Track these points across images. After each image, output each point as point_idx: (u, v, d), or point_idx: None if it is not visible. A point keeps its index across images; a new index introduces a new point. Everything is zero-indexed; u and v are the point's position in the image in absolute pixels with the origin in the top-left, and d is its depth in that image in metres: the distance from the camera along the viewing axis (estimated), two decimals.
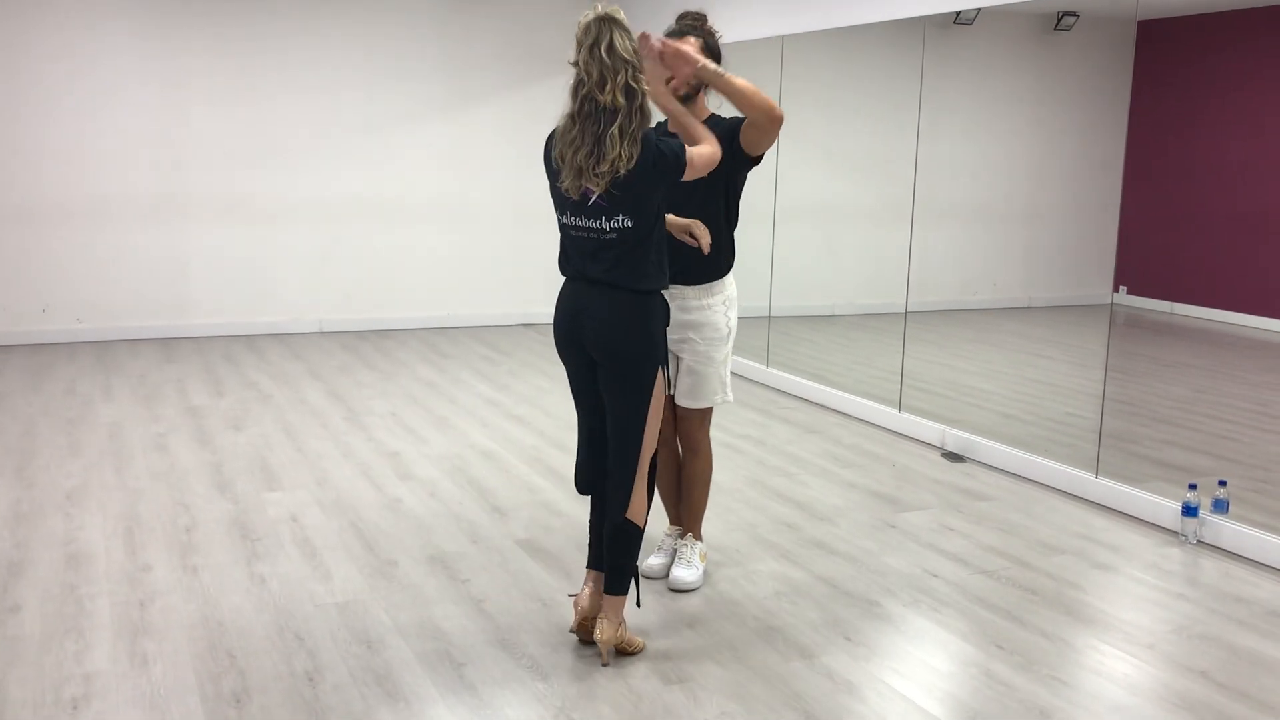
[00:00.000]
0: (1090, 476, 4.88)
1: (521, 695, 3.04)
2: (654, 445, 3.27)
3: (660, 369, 3.20)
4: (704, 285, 3.68)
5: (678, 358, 3.73)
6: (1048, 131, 9.41)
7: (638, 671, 3.18)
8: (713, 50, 3.57)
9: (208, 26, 7.81)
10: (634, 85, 2.99)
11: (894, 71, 7.39)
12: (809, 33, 6.68)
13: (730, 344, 3.79)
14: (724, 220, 3.70)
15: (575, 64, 3.03)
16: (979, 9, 6.62)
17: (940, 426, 5.70)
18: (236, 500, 4.57)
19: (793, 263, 7.52)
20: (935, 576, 3.95)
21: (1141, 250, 8.43)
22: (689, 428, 3.83)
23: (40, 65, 7.44)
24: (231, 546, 4.06)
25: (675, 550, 3.89)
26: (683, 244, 3.50)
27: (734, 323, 3.78)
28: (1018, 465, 5.22)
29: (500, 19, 8.46)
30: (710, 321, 3.70)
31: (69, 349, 7.51)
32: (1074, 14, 8.75)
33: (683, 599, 3.69)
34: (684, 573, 3.79)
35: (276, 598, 3.62)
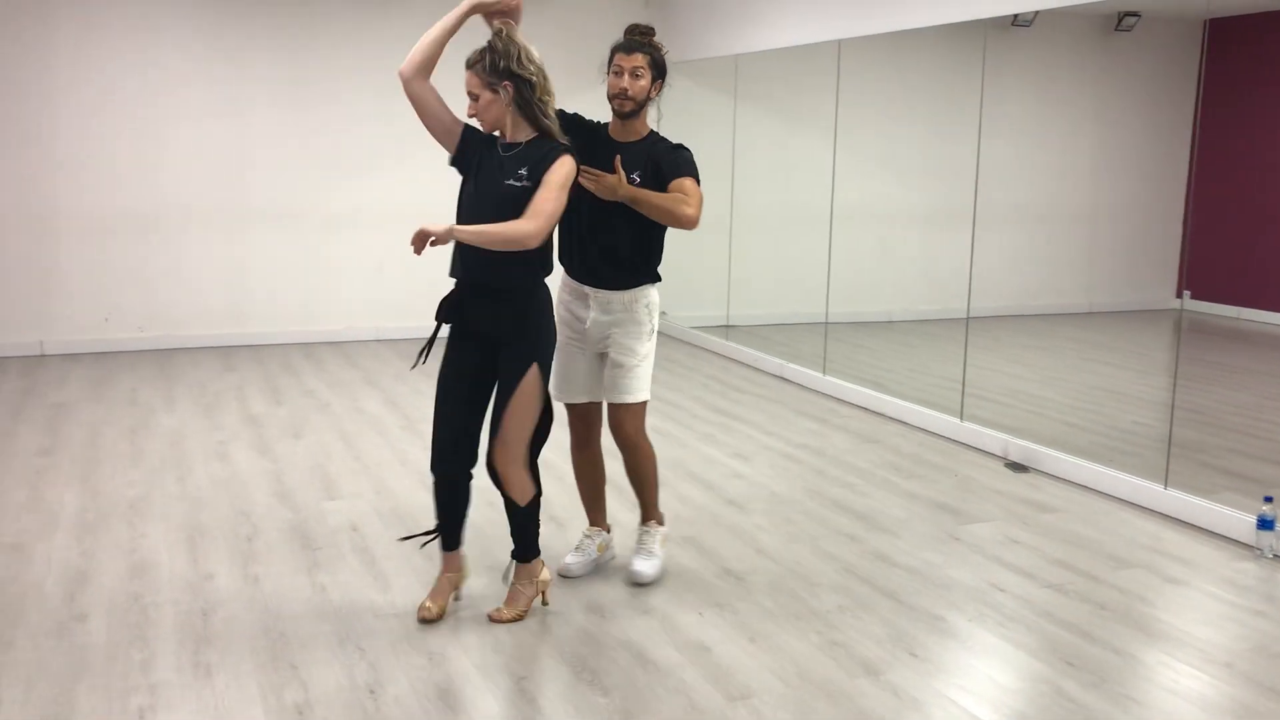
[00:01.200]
0: (1159, 487, 4.76)
1: (581, 708, 3.01)
2: None
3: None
4: (630, 291, 3.76)
5: (602, 355, 3.82)
6: (1109, 134, 9.26)
7: (700, 688, 3.14)
8: (659, 65, 3.69)
9: (268, 39, 7.90)
10: None
11: (952, 75, 7.31)
12: (866, 37, 6.61)
13: (653, 342, 3.83)
14: (651, 233, 3.75)
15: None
16: (1037, 11, 6.52)
17: (1003, 436, 5.60)
18: (297, 509, 4.60)
19: (849, 268, 7.45)
20: (1001, 590, 3.87)
21: (1207, 254, 8.26)
22: (618, 423, 3.82)
23: (106, 79, 7.56)
24: (292, 555, 4.08)
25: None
26: (605, 249, 3.67)
27: (656, 324, 3.84)
28: (1083, 476, 5.12)
29: (556, 29, 8.47)
30: (634, 318, 3.76)
31: (131, 357, 7.62)
32: (1135, 14, 8.60)
33: (744, 613, 3.64)
34: (644, 566, 3.86)
35: (337, 608, 3.63)
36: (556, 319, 3.67)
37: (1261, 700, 3.12)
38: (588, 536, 4.00)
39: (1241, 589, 3.93)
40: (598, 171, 3.50)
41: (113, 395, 6.52)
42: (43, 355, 7.63)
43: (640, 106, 3.67)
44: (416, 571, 3.94)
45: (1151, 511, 4.74)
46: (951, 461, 5.49)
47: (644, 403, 3.82)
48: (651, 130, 3.77)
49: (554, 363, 3.63)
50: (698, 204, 3.59)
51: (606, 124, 3.78)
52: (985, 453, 5.63)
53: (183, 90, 7.76)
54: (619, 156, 3.57)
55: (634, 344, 3.75)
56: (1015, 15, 6.08)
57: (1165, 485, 4.76)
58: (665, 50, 3.77)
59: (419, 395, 6.62)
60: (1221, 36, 7.32)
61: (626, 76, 3.62)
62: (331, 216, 8.22)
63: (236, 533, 4.31)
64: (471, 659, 3.29)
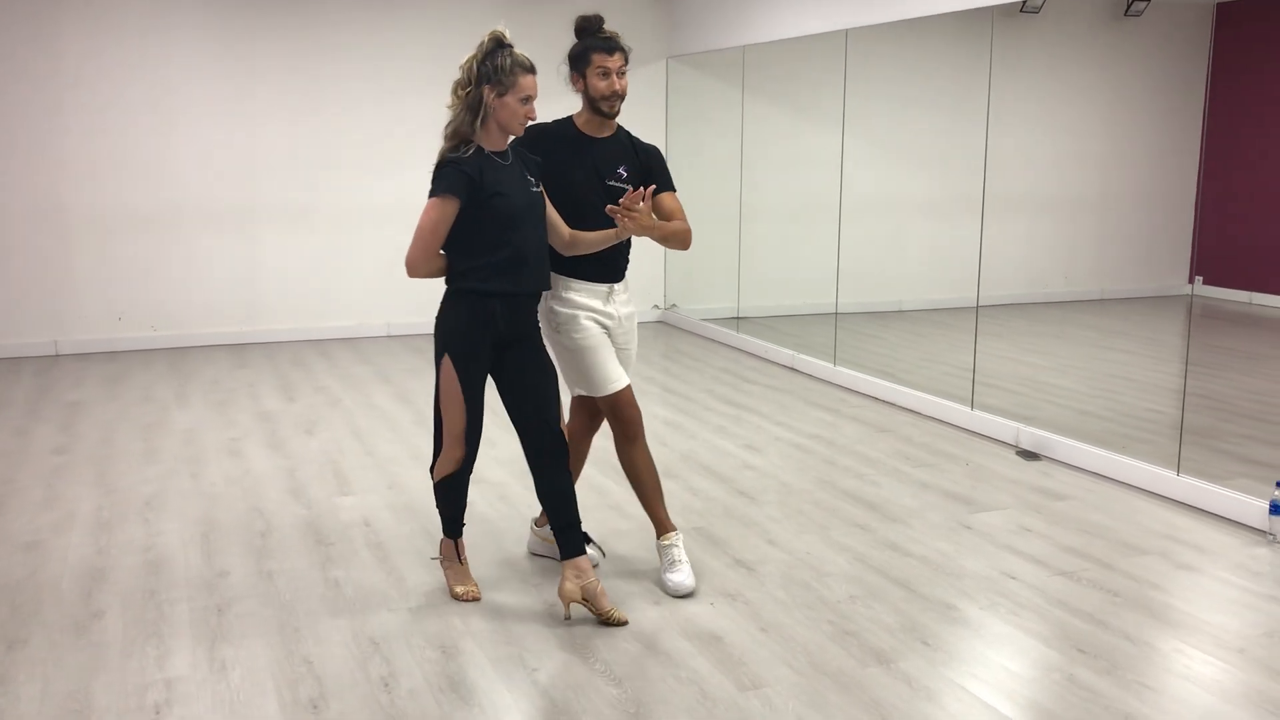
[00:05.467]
0: (1172, 474, 4.75)
1: (595, 700, 3.02)
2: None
3: (449, 361, 3.45)
4: (623, 282, 3.81)
5: (622, 349, 3.81)
6: (1118, 120, 9.22)
7: (711, 678, 3.15)
8: (627, 54, 3.66)
9: (278, 37, 7.92)
10: (453, 92, 3.44)
11: (960, 63, 7.29)
12: (874, 25, 6.59)
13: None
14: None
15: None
16: None
17: (1014, 424, 5.59)
18: (310, 505, 4.62)
19: (859, 258, 7.44)
20: (1013, 579, 3.87)
21: (1219, 239, 8.23)
22: (634, 411, 3.78)
23: (117, 79, 7.59)
24: (306, 551, 4.10)
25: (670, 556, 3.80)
26: (614, 249, 3.67)
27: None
28: (1095, 463, 5.11)
29: (565, 24, 8.46)
30: (632, 304, 3.86)
31: (144, 356, 7.66)
32: None
33: (756, 603, 3.65)
34: (686, 578, 3.73)
35: (351, 603, 3.65)
36: (583, 320, 3.65)
37: (1275, 685, 3.12)
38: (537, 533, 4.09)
39: (1254, 574, 3.93)
40: (629, 210, 3.44)
41: (127, 394, 6.56)
42: (57, 355, 7.67)
43: (612, 114, 3.68)
44: (428, 566, 3.95)
45: (1164, 498, 4.73)
46: (963, 450, 5.49)
47: None
48: (620, 126, 3.77)
49: (598, 358, 3.66)
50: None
51: (563, 120, 3.74)
52: (997, 441, 5.63)
53: (193, 89, 7.78)
54: (644, 188, 3.49)
55: (635, 326, 3.89)
56: (1024, 1, 6.06)
57: (1178, 472, 4.75)
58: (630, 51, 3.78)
59: (431, 390, 6.63)
60: (1231, 20, 7.29)
61: (614, 77, 3.59)
62: (342, 213, 8.24)
63: (250, 529, 4.33)
64: (485, 652, 3.30)
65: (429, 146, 9.06)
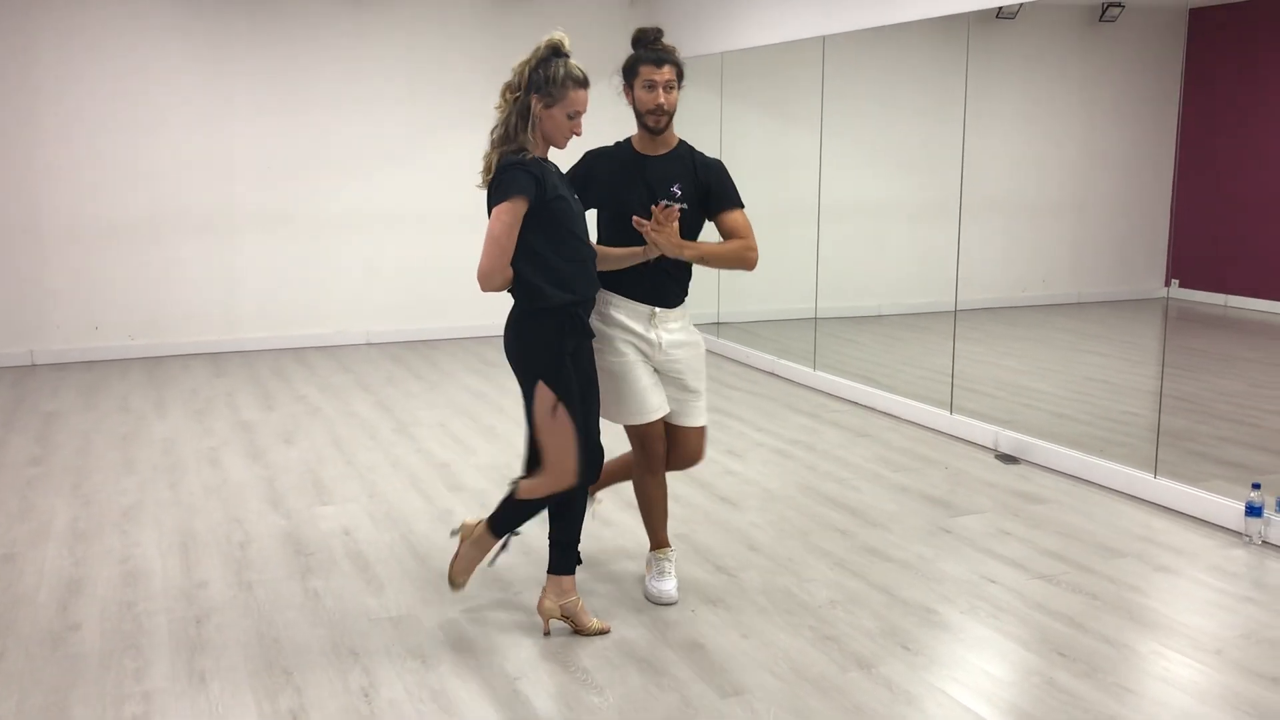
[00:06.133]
0: (1149, 477, 4.79)
1: (576, 709, 3.02)
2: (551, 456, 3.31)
3: (544, 384, 3.25)
4: (677, 309, 3.64)
5: (675, 378, 3.63)
6: (1095, 124, 9.27)
7: (693, 685, 3.15)
8: (681, 72, 3.53)
9: (253, 43, 7.89)
10: (501, 94, 3.28)
11: (938, 69, 7.31)
12: (850, 32, 6.62)
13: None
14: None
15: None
16: (1021, 3, 6.54)
17: (993, 428, 5.62)
18: (289, 515, 4.59)
19: (838, 263, 7.46)
20: (993, 582, 3.88)
21: (1194, 243, 8.28)
22: (696, 448, 3.76)
23: (90, 86, 7.54)
24: (285, 561, 4.08)
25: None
26: (666, 265, 3.53)
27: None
28: (1074, 466, 5.14)
29: (545, 30, 8.46)
30: (694, 339, 3.66)
31: (121, 365, 7.61)
32: (1119, 4, 8.62)
33: (737, 609, 3.66)
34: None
35: (331, 613, 3.63)
36: (619, 343, 3.54)
37: (1251, 686, 3.14)
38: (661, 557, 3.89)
39: (1231, 576, 3.95)
40: (650, 223, 3.37)
41: (104, 404, 6.51)
42: (33, 365, 7.62)
43: (671, 118, 3.53)
44: (409, 575, 3.94)
45: (1142, 501, 4.76)
46: (942, 454, 5.51)
47: None
48: (680, 139, 3.61)
49: (628, 382, 3.54)
50: (755, 240, 3.55)
51: (623, 142, 3.63)
52: (976, 445, 5.65)
53: (168, 96, 7.74)
54: (669, 204, 3.43)
55: (702, 367, 3.68)
56: (1000, 8, 6.09)
57: (1155, 474, 4.78)
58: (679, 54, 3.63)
59: (410, 398, 6.62)
60: (1204, 26, 7.35)
61: (661, 90, 3.46)
62: (320, 220, 8.21)
63: (229, 539, 4.31)
64: (465, 661, 3.29)
65: (406, 151, 9.00)
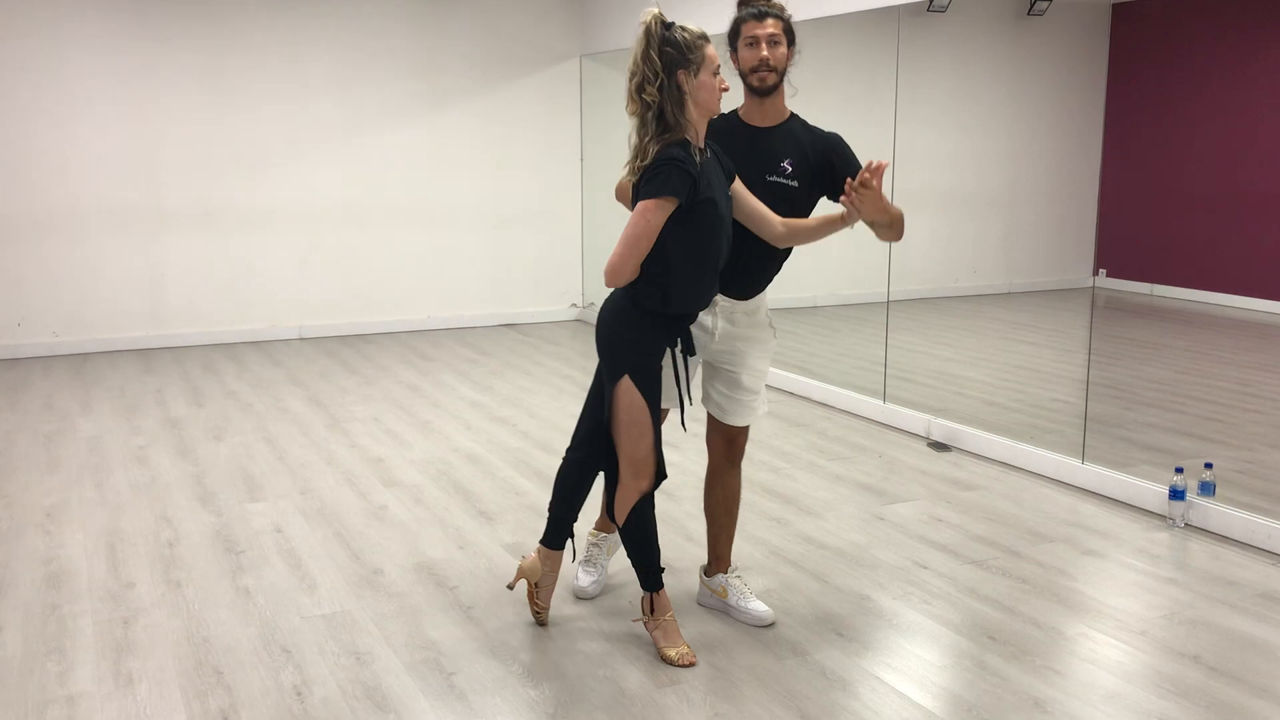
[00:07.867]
0: (1077, 462, 4.88)
1: (513, 702, 3.01)
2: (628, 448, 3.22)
3: (628, 379, 3.13)
4: (747, 302, 3.44)
5: (727, 371, 3.45)
6: (1024, 117, 9.41)
7: (629, 675, 3.15)
8: (790, 30, 3.32)
9: (180, 34, 7.73)
10: (637, 94, 3.01)
11: (868, 61, 7.37)
12: None
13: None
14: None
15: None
16: None
17: (925, 416, 5.69)
18: (219, 512, 4.52)
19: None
20: (925, 568, 3.93)
21: (1121, 233, 8.45)
22: (739, 447, 3.58)
23: (8, 76, 7.35)
24: (215, 560, 4.01)
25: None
26: (743, 255, 3.30)
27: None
28: (1004, 453, 5.22)
29: (474, 23, 8.40)
30: (761, 336, 3.48)
31: (45, 363, 7.43)
32: None
33: (674, 599, 3.65)
34: (762, 606, 3.54)
35: (262, 611, 3.58)
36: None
37: (1173, 665, 3.21)
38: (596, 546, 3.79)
39: (1155, 558, 4.04)
40: (861, 189, 3.12)
41: (27, 402, 6.36)
42: None
43: (781, 79, 3.28)
44: (341, 570, 3.90)
45: (1070, 486, 4.85)
46: (876, 443, 5.57)
47: None
48: (793, 113, 3.36)
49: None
50: None
51: (729, 114, 3.35)
52: (909, 433, 5.72)
53: (90, 89, 7.56)
54: (872, 162, 3.12)
55: (765, 366, 3.49)
56: (930, 0, 6.16)
57: (1083, 460, 4.87)
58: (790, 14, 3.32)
59: (344, 393, 6.54)
60: (1127, 21, 7.49)
61: (764, 45, 3.21)
62: (249, 214, 8.08)
63: (157, 538, 4.23)
64: (400, 657, 3.26)
65: (338, 144, 8.90)
